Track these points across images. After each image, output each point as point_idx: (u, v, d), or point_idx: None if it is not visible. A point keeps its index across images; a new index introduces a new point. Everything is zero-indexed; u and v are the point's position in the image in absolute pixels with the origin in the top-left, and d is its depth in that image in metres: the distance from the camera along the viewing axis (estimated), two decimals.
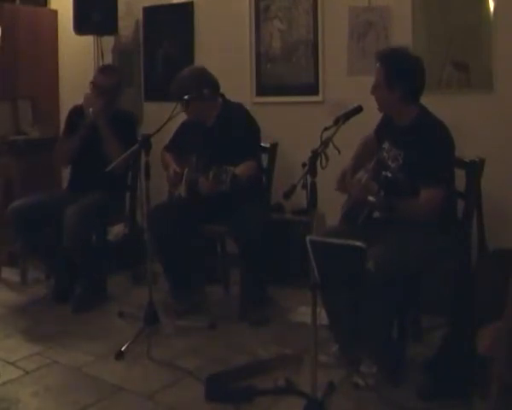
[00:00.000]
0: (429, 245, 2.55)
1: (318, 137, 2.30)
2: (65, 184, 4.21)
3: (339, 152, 2.31)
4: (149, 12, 4.67)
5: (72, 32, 4.45)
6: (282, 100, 4.08)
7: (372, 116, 2.79)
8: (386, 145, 2.75)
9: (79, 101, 3.65)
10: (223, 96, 3.49)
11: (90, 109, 3.53)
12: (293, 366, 2.68)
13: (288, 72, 4.05)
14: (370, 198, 2.50)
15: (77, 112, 3.70)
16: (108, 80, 3.66)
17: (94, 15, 4.36)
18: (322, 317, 2.58)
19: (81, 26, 4.40)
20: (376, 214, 2.75)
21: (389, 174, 2.59)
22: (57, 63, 5.20)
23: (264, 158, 3.61)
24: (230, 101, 3.51)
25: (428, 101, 2.73)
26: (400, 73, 2.62)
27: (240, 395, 2.45)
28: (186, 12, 4.45)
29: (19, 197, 3.77)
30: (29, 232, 3.58)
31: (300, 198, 2.29)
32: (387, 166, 2.66)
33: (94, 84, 3.66)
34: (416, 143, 2.59)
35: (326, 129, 2.35)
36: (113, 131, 3.55)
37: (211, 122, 3.44)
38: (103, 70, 3.81)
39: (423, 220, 2.53)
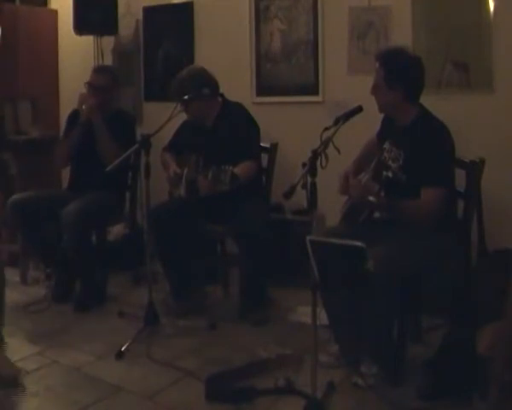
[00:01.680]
0: (429, 245, 2.55)
1: (318, 137, 2.31)
2: (65, 184, 4.21)
3: (339, 152, 2.32)
4: (149, 12, 4.67)
5: (72, 32, 4.46)
6: (282, 100, 4.08)
7: (372, 116, 2.79)
8: (386, 145, 2.75)
9: None
10: (222, 96, 3.49)
11: (83, 106, 3.54)
12: (293, 366, 2.68)
13: (288, 72, 4.05)
14: (371, 198, 2.50)
15: (76, 115, 3.70)
16: (102, 79, 3.68)
17: (94, 15, 4.37)
18: (322, 317, 2.58)
19: (81, 26, 4.41)
20: (377, 215, 2.75)
21: (390, 174, 2.59)
22: (57, 63, 5.21)
23: (264, 158, 3.60)
24: (230, 101, 3.51)
25: (428, 101, 2.73)
26: (400, 73, 2.62)
27: (240, 395, 2.45)
28: (186, 12, 4.45)
29: None
30: (27, 228, 3.59)
31: (300, 198, 2.29)
32: (388, 166, 2.66)
33: (88, 83, 3.68)
34: (416, 143, 2.59)
35: (326, 129, 2.36)
36: (111, 131, 3.55)
37: (210, 122, 3.44)
38: (97, 69, 3.83)
39: (423, 220, 2.53)
